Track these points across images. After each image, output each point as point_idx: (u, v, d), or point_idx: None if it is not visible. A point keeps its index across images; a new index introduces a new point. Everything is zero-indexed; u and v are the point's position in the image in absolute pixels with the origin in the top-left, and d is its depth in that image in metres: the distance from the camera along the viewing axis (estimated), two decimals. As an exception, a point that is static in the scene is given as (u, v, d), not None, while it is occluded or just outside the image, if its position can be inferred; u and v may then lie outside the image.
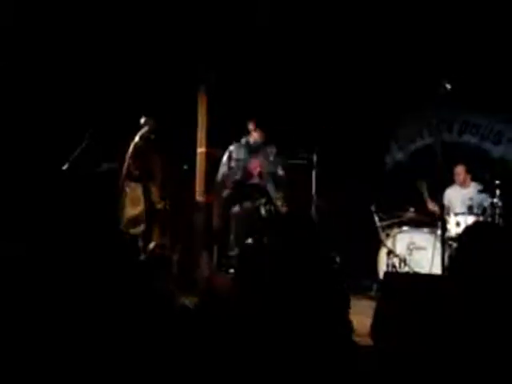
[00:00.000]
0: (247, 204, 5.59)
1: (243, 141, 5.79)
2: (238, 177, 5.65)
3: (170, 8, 6.00)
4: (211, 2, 6.03)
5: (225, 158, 5.71)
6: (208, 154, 6.14)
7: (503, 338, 2.39)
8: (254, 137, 5.73)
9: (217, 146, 6.11)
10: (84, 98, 6.06)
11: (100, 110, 5.93)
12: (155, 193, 5.69)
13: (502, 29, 5.99)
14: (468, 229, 2.56)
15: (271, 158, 5.71)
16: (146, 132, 5.17)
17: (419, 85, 6.29)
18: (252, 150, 5.74)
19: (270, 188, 5.65)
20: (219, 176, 5.72)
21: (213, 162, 6.05)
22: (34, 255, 2.81)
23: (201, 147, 6.13)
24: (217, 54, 6.26)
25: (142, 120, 5.11)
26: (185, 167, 6.24)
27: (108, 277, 2.63)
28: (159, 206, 5.69)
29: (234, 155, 5.69)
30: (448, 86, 4.18)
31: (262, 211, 5.54)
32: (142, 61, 6.20)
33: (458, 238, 4.35)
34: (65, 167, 5.07)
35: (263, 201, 5.57)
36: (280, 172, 5.71)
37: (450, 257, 4.99)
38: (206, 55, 6.24)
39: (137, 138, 5.10)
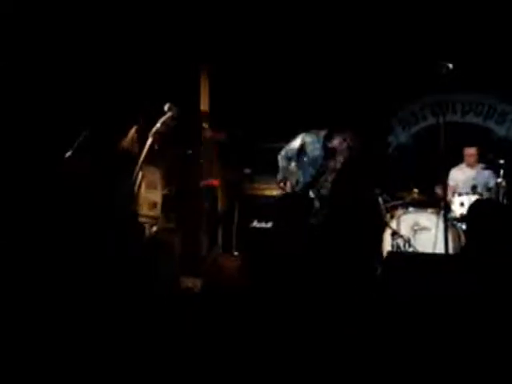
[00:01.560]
0: None
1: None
2: None
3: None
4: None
5: None
6: (211, 138, 6.16)
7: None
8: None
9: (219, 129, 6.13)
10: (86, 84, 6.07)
11: (100, 101, 5.94)
12: (163, 177, 5.73)
13: (501, 9, 5.96)
14: (471, 208, 2.58)
15: None
16: (169, 118, 5.15)
17: (421, 66, 6.26)
18: None
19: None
20: None
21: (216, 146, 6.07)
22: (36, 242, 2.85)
23: (206, 131, 6.16)
24: (220, 39, 6.25)
25: (166, 106, 5.09)
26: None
27: (110, 261, 2.66)
28: (165, 191, 5.73)
29: None
30: (450, 66, 4.15)
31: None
32: (142, 51, 6.19)
33: (464, 218, 4.36)
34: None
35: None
36: None
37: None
38: (209, 41, 6.23)
39: (158, 124, 5.09)
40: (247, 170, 6.29)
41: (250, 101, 6.44)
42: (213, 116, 6.52)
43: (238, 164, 6.57)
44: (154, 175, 5.54)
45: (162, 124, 4.95)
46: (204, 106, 6.37)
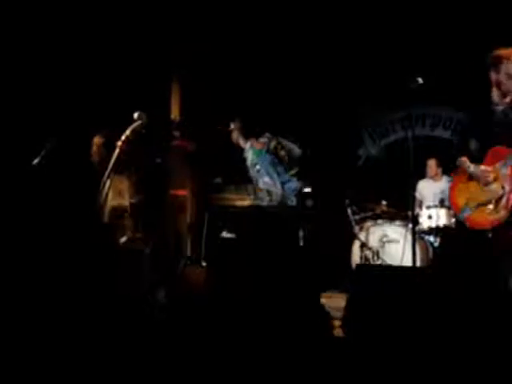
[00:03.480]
0: None
1: None
2: None
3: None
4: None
5: None
6: (180, 147, 6.13)
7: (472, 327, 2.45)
8: None
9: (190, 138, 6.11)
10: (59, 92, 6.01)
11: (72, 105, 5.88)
12: (131, 186, 5.67)
13: (469, 26, 6.07)
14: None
15: None
16: (138, 127, 5.10)
17: (392, 80, 6.34)
18: None
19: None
20: None
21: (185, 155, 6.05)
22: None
23: (175, 141, 6.12)
24: (190, 47, 6.24)
25: (136, 114, 5.05)
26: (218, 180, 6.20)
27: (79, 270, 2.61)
28: (134, 200, 5.67)
29: None
30: (420, 81, 4.22)
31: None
32: (113, 59, 6.14)
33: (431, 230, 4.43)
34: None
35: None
36: None
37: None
38: (180, 49, 6.22)
39: (128, 132, 5.04)
40: (218, 180, 6.26)
41: (222, 110, 6.40)
42: (184, 125, 6.49)
43: (208, 174, 6.54)
44: (122, 184, 5.49)
45: (131, 132, 4.91)
46: (175, 114, 6.35)
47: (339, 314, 3.22)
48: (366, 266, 4.74)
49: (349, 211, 6.03)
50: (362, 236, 5.82)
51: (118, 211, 5.42)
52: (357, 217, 6.06)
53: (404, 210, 5.96)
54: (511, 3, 5.77)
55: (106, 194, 5.16)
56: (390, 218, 5.98)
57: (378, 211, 6.08)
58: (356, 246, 5.82)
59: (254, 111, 6.51)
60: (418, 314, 2.83)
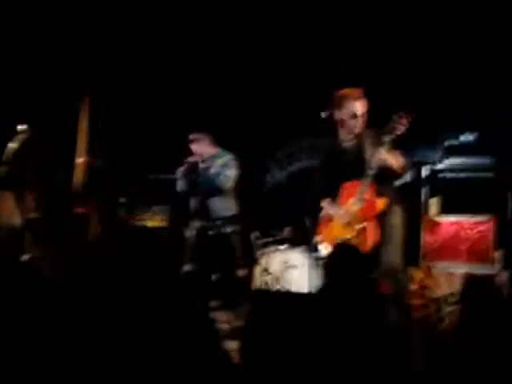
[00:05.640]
0: None
1: None
2: None
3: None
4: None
5: None
6: (87, 164, 6.03)
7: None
8: None
9: (96, 155, 6.02)
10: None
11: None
12: (30, 202, 5.50)
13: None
14: (332, 253, 2.76)
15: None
16: (24, 140, 4.98)
17: (299, 112, 6.56)
18: None
19: None
20: None
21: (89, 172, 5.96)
22: None
23: (80, 157, 6.02)
24: (102, 65, 6.18)
25: (20, 127, 4.92)
26: None
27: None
28: (33, 216, 5.50)
29: None
30: (323, 115, 4.43)
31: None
32: (23, 67, 5.99)
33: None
34: None
35: None
36: None
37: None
38: (90, 68, 6.14)
39: (12, 145, 4.89)
40: (122, 199, 6.20)
41: (129, 130, 6.38)
42: (91, 143, 6.39)
43: (113, 192, 6.46)
44: (8, 201, 5.30)
45: (17, 145, 4.81)
46: (81, 132, 6.24)
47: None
48: (263, 292, 4.82)
49: (252, 236, 6.12)
50: (264, 261, 5.90)
51: (9, 231, 5.25)
52: (259, 242, 6.15)
53: (307, 236, 6.12)
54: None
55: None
56: (293, 243, 6.10)
57: (281, 237, 6.20)
58: (257, 270, 5.89)
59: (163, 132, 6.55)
60: (310, 340, 2.92)
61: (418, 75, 6.02)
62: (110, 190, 6.45)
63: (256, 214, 6.41)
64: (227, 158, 5.80)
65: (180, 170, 5.73)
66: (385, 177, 4.21)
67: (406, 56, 6.17)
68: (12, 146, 4.87)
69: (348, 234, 4.24)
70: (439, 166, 5.72)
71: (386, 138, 4.11)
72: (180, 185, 5.77)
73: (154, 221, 6.24)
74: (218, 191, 5.69)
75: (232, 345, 3.17)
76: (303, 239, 6.10)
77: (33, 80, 6.08)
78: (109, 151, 6.30)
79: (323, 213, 4.53)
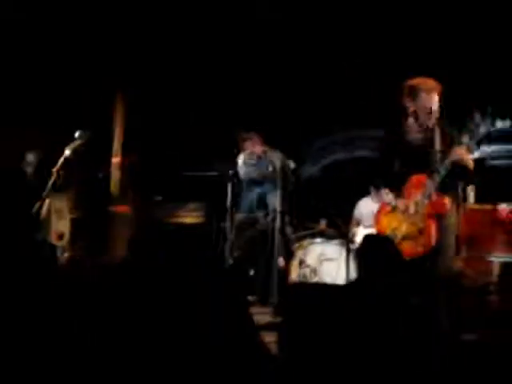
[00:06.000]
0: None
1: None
2: None
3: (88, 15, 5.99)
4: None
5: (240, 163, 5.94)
6: (123, 163, 6.14)
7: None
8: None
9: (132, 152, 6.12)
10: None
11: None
12: (71, 202, 5.64)
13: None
14: (362, 242, 2.78)
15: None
16: (79, 145, 5.07)
17: (332, 104, 6.56)
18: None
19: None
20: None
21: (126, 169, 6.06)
22: None
23: (116, 157, 6.13)
24: (135, 65, 6.27)
25: (77, 133, 5.01)
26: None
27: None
28: (74, 216, 5.64)
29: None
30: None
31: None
32: (57, 69, 6.12)
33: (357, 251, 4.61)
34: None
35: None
36: None
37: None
38: (124, 66, 6.24)
39: (68, 152, 4.99)
40: (158, 197, 6.30)
41: (165, 128, 6.46)
42: (128, 142, 6.50)
43: (149, 190, 6.56)
44: (62, 203, 5.45)
45: (72, 151, 4.89)
46: (118, 132, 6.35)
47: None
48: (300, 284, 4.85)
49: (288, 229, 6.16)
50: (301, 253, 5.94)
51: (58, 232, 5.39)
52: (296, 235, 6.19)
53: (343, 229, 6.12)
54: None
55: (48, 213, 5.14)
56: (328, 236, 6.12)
57: (316, 230, 6.23)
58: (295, 263, 5.93)
59: (196, 130, 6.62)
60: (348, 331, 2.94)
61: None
62: (147, 188, 6.55)
63: (292, 207, 6.44)
64: (279, 154, 5.73)
65: (240, 158, 5.82)
66: (456, 175, 3.98)
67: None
68: (67, 152, 4.96)
69: (409, 230, 4.01)
70: (476, 154, 5.63)
71: (466, 139, 3.93)
72: (244, 172, 5.93)
73: (191, 217, 6.32)
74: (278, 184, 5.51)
75: (270, 337, 3.21)
76: (339, 232, 6.12)
77: (67, 81, 6.21)
78: (144, 150, 6.40)
79: (383, 202, 4.28)
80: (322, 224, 6.26)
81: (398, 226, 4.05)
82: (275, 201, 5.36)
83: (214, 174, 5.95)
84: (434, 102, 4.01)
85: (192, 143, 6.96)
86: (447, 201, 3.98)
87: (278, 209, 5.22)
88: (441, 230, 3.92)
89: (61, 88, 6.16)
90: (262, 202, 5.84)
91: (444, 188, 3.97)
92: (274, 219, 5.37)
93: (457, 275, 4.05)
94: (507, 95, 5.77)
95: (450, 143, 4.00)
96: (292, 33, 6.33)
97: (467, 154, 3.92)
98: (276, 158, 5.52)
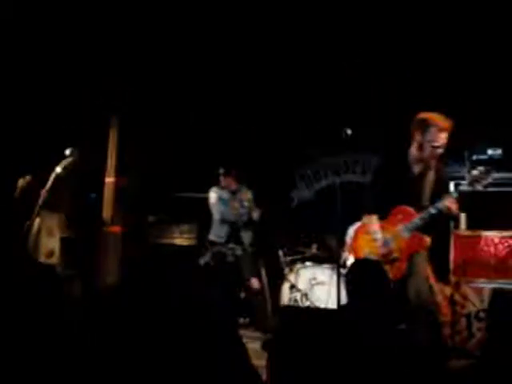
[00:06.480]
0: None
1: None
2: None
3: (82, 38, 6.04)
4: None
5: (214, 199, 6.03)
6: (116, 184, 6.15)
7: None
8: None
9: (125, 174, 6.13)
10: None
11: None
12: (63, 221, 5.62)
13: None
14: (350, 268, 2.82)
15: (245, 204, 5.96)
16: (70, 163, 5.08)
17: (327, 130, 6.59)
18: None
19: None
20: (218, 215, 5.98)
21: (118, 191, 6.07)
22: None
23: (109, 177, 6.14)
24: (129, 85, 6.31)
25: (68, 151, 5.02)
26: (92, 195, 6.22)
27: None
28: (65, 235, 5.62)
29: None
30: (349, 132, 4.43)
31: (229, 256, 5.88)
32: (52, 88, 6.14)
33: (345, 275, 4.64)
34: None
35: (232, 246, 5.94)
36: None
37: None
38: (118, 87, 6.28)
39: (59, 169, 5.00)
40: (151, 218, 6.30)
41: (157, 150, 6.49)
42: (120, 162, 6.51)
43: (142, 211, 6.57)
44: (52, 220, 5.44)
45: (63, 169, 4.90)
46: (112, 152, 6.36)
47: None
48: (291, 308, 4.84)
49: (280, 253, 6.17)
50: (292, 278, 5.94)
51: (48, 250, 5.37)
52: (287, 259, 6.20)
53: (334, 253, 6.13)
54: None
55: (38, 231, 5.12)
56: (320, 260, 6.13)
57: (308, 254, 6.25)
58: (286, 287, 5.93)
59: (190, 154, 6.65)
60: (338, 356, 2.93)
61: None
62: (139, 209, 6.55)
63: (283, 232, 6.46)
64: (249, 193, 6.07)
65: (213, 192, 6.02)
66: (440, 219, 4.11)
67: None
68: (58, 169, 4.96)
69: (380, 255, 4.14)
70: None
71: (464, 188, 4.12)
72: (218, 211, 6.05)
73: (182, 239, 6.32)
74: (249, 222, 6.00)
75: (260, 362, 3.19)
76: (330, 256, 6.14)
77: (61, 101, 6.24)
78: (137, 171, 6.41)
79: (362, 225, 4.39)
80: (314, 248, 6.28)
81: (373, 250, 4.18)
82: (247, 236, 5.95)
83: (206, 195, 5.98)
84: (442, 139, 4.08)
85: (185, 164, 6.98)
86: (427, 240, 4.14)
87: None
88: (411, 263, 4.10)
89: (54, 108, 6.18)
90: (234, 236, 5.99)
91: (426, 228, 4.12)
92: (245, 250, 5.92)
93: (428, 300, 4.12)
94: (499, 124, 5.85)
95: (443, 187, 4.17)
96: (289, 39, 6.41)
97: (456, 206, 4.05)
98: (246, 197, 5.95)
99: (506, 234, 5.10)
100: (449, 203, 3.99)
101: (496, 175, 5.59)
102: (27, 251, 5.08)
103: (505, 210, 5.35)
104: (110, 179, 6.15)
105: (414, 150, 4.22)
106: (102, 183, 6.18)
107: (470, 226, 5.48)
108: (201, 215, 6.20)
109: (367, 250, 4.25)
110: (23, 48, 5.93)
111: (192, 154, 7.09)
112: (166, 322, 2.56)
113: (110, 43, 6.21)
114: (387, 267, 4.05)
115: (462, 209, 5.58)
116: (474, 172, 4.07)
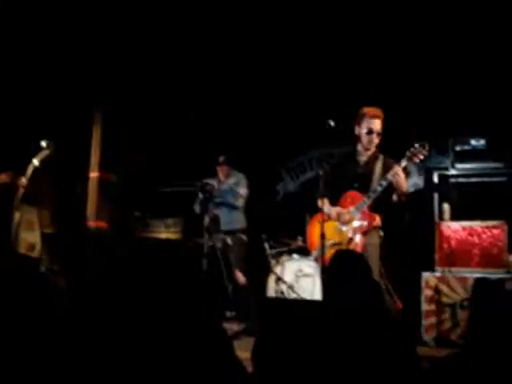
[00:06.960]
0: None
1: None
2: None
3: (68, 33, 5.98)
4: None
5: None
6: (100, 179, 6.11)
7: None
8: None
9: (109, 170, 6.10)
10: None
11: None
12: (46, 217, 5.58)
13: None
14: (332, 258, 2.86)
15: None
16: (47, 156, 5.04)
17: (310, 121, 6.60)
18: None
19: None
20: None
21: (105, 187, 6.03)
22: None
23: (93, 172, 6.10)
24: (113, 80, 6.27)
25: (44, 143, 4.97)
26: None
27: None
28: (49, 231, 5.58)
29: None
30: (332, 124, 4.46)
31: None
32: (36, 83, 6.08)
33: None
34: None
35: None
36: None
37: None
38: (103, 82, 6.23)
39: (36, 162, 4.96)
40: (137, 213, 6.27)
41: (142, 144, 6.45)
42: (105, 157, 6.47)
43: (127, 206, 6.53)
44: (32, 214, 5.40)
45: (40, 161, 4.86)
46: (95, 146, 6.32)
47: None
48: (276, 300, 4.85)
49: (266, 245, 6.17)
50: (278, 270, 5.94)
51: (28, 243, 5.33)
52: (273, 251, 6.19)
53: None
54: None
55: (18, 225, 5.07)
56: (305, 253, 6.13)
57: (293, 246, 6.24)
58: (271, 279, 5.93)
59: (176, 146, 6.62)
60: (324, 348, 2.93)
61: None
62: (124, 204, 6.51)
63: (269, 224, 6.45)
64: (239, 176, 6.24)
65: (199, 197, 5.93)
66: (388, 196, 4.43)
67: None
68: (35, 161, 4.92)
69: (338, 239, 4.48)
70: (451, 172, 5.74)
71: (404, 163, 4.36)
72: (197, 208, 6.08)
73: (168, 233, 6.29)
74: (229, 206, 6.12)
75: (245, 354, 3.19)
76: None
77: (45, 94, 6.18)
78: (122, 165, 6.37)
79: (316, 215, 4.63)
80: (299, 240, 6.27)
81: (329, 234, 4.38)
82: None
83: (191, 189, 5.96)
84: (375, 125, 4.54)
85: (170, 158, 6.95)
86: (378, 217, 4.52)
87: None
88: (365, 245, 4.45)
89: (37, 103, 6.12)
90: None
91: (376, 207, 4.48)
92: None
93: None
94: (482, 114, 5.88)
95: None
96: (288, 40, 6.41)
97: (402, 175, 4.35)
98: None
99: (489, 223, 5.14)
100: (393, 171, 4.31)
101: (479, 165, 5.66)
102: (10, 244, 5.04)
103: (488, 200, 5.39)
104: (94, 174, 6.12)
105: (358, 145, 4.68)
106: (87, 177, 6.14)
107: (453, 217, 5.53)
108: (186, 209, 6.18)
109: (328, 236, 4.37)
110: (7, 42, 5.86)
111: (177, 149, 7.05)
112: (151, 314, 2.56)
113: (95, 39, 6.16)
114: (343, 249, 4.20)
115: (445, 199, 5.70)
116: (412, 148, 4.35)
